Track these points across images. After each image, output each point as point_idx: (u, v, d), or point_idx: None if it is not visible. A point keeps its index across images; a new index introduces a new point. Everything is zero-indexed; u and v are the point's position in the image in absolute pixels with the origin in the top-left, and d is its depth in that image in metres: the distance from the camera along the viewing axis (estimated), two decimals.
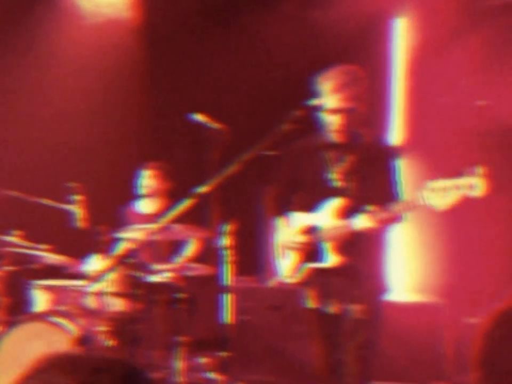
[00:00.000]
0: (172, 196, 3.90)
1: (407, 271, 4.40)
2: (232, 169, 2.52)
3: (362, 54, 4.27)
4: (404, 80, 4.61)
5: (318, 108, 2.55)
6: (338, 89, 2.46)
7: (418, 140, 4.43)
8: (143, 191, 3.94)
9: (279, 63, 4.53)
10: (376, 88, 4.42)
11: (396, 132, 4.56)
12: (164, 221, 2.67)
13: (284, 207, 2.68)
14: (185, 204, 2.56)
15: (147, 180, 3.92)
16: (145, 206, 3.98)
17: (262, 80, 4.58)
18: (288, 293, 3.83)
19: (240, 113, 4.40)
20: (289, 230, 2.60)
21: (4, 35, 4.49)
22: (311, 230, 2.52)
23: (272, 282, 3.22)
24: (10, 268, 3.20)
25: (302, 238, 2.53)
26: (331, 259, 2.48)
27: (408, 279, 4.39)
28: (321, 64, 4.51)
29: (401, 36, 4.63)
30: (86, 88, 4.61)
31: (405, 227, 4.47)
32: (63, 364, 0.82)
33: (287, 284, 2.63)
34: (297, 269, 2.56)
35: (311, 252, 2.54)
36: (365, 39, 4.40)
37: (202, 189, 2.55)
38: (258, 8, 4.60)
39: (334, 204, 2.47)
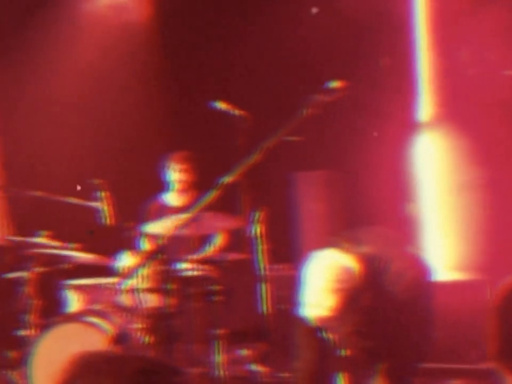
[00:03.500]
0: (198, 185, 3.81)
1: (446, 249, 4.27)
2: (255, 157, 2.45)
3: (385, 28, 4.15)
4: (429, 54, 4.46)
5: (338, 91, 2.43)
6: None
7: (448, 113, 4.29)
8: (173, 185, 3.83)
9: (299, 47, 4.42)
10: (401, 63, 4.29)
11: (425, 106, 4.42)
12: (192, 212, 2.60)
13: None
14: (212, 195, 2.50)
15: (177, 174, 3.77)
16: (173, 199, 3.88)
17: (283, 65, 4.48)
18: None
19: (262, 99, 4.31)
20: None
21: (24, 34, 4.47)
22: None
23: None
24: (41, 269, 3.17)
25: None
26: None
27: (448, 257, 4.26)
28: (344, 43, 4.42)
29: (425, 7, 4.47)
30: (107, 82, 4.58)
31: (442, 205, 4.37)
32: (105, 366, 0.80)
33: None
34: None
35: None
36: (387, 12, 4.27)
37: (228, 179, 2.48)
38: None
39: None
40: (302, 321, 2.21)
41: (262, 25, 4.54)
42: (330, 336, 2.18)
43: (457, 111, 4.23)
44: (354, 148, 4.18)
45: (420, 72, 4.47)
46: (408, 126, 4.31)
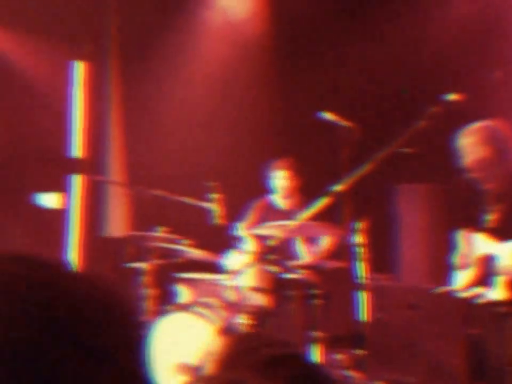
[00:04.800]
0: (302, 191, 3.94)
1: None
2: (367, 167, 2.51)
3: (499, 40, 4.00)
4: None
5: (455, 103, 2.45)
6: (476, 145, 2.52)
7: None
8: (277, 192, 3.95)
9: (411, 57, 4.39)
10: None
11: None
12: (301, 218, 2.72)
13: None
14: (321, 202, 2.60)
15: (280, 181, 3.90)
16: (279, 202, 4.02)
17: (393, 76, 4.47)
18: (425, 292, 3.69)
19: (370, 111, 4.34)
20: (467, 246, 2.57)
21: (153, 43, 4.87)
22: (488, 259, 2.46)
23: (439, 290, 3.19)
24: (158, 262, 3.48)
25: (478, 262, 2.48)
26: (498, 292, 2.43)
27: None
28: (457, 54, 4.32)
29: None
30: (221, 89, 4.86)
31: None
32: (245, 357, 0.83)
33: (456, 295, 2.58)
34: (470, 285, 2.52)
35: (484, 276, 2.51)
36: (501, 24, 4.12)
37: (338, 188, 2.57)
38: (386, 5, 4.51)
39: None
40: None
41: (373, 36, 4.56)
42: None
43: None
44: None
45: None
46: None
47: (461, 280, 2.57)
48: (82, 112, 4.76)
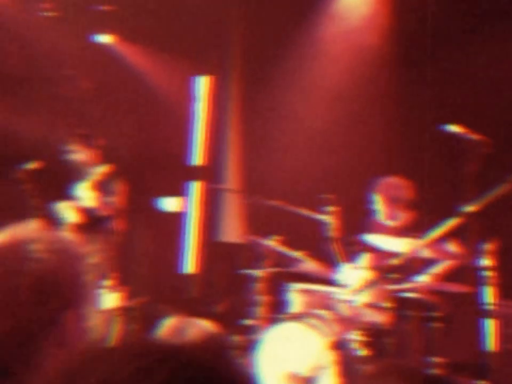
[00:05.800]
0: (417, 206, 3.76)
1: None
2: (504, 188, 2.35)
3: None
4: None
5: None
6: None
7: None
8: (378, 213, 3.64)
9: None
10: None
11: None
12: (429, 237, 2.62)
13: None
14: (451, 223, 2.48)
15: (377, 204, 3.59)
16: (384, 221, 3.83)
17: None
18: None
19: (502, 123, 4.08)
20: None
21: (275, 58, 5.02)
22: None
23: None
24: (272, 270, 3.53)
25: None
26: None
27: None
28: None
29: None
30: (339, 101, 4.86)
31: None
32: (402, 372, 0.92)
33: None
34: None
35: None
36: None
37: (470, 208, 2.43)
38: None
39: None
40: None
41: (503, 45, 4.30)
42: None
43: None
44: None
45: None
46: None
47: None
48: (204, 123, 5.01)
